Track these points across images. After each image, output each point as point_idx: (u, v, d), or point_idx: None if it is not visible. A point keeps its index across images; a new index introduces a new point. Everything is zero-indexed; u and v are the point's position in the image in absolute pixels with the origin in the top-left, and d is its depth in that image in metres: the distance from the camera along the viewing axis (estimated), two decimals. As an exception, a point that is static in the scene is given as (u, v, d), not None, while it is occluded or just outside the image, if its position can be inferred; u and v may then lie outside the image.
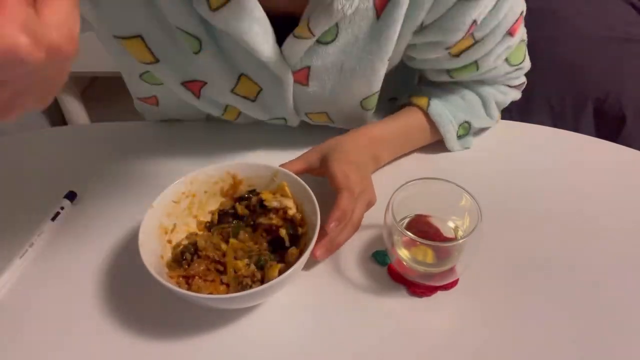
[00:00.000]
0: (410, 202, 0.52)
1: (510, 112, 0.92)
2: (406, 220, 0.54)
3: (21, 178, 0.68)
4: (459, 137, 0.67)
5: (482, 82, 0.67)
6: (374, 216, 0.57)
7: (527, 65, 0.67)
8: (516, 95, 0.70)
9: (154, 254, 0.50)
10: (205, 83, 0.62)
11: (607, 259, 0.55)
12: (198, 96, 0.63)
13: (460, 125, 0.66)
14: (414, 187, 0.51)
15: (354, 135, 0.62)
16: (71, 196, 0.63)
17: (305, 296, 0.53)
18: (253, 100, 0.63)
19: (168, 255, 0.53)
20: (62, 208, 0.62)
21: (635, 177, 0.65)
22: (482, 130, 0.71)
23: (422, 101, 0.65)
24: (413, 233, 0.47)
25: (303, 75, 0.59)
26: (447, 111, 0.65)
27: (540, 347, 0.48)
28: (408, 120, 0.66)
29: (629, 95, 0.85)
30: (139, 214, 0.51)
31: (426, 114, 0.65)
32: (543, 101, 0.90)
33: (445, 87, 0.67)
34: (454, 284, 0.53)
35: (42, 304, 0.53)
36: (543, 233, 0.58)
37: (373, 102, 0.65)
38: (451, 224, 0.54)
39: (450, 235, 0.53)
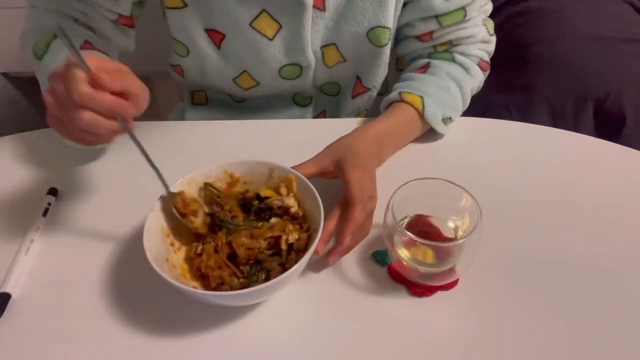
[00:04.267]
0: (410, 202, 0.52)
1: (510, 112, 0.92)
2: (406, 220, 0.54)
3: (21, 178, 0.68)
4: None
5: (463, 54, 0.71)
6: (374, 216, 0.56)
7: (494, 41, 0.73)
8: (482, 81, 0.75)
9: (160, 257, 0.50)
10: (225, 36, 0.67)
11: (607, 259, 0.55)
12: (218, 46, 0.69)
13: (443, 119, 0.70)
14: (414, 187, 0.51)
15: (362, 134, 0.63)
16: (53, 192, 0.64)
17: (305, 296, 0.53)
18: (271, 39, 0.66)
19: (172, 258, 0.53)
20: (49, 204, 0.62)
21: (635, 177, 0.65)
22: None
23: (416, 102, 0.67)
24: (413, 233, 0.46)
25: None
26: (438, 111, 0.68)
27: (540, 347, 0.48)
28: (406, 116, 0.68)
29: (629, 95, 0.85)
30: (138, 214, 0.51)
31: (419, 113, 0.67)
32: (543, 101, 0.90)
33: (431, 81, 0.69)
34: (454, 284, 0.53)
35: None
36: (543, 233, 0.58)
37: (381, 37, 0.68)
38: (451, 224, 0.54)
39: (450, 235, 0.53)
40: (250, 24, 0.65)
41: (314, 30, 0.67)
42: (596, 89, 0.86)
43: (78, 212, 0.63)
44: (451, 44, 0.71)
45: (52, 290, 0.55)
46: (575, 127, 0.88)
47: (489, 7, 0.71)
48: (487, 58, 0.74)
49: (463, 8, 0.66)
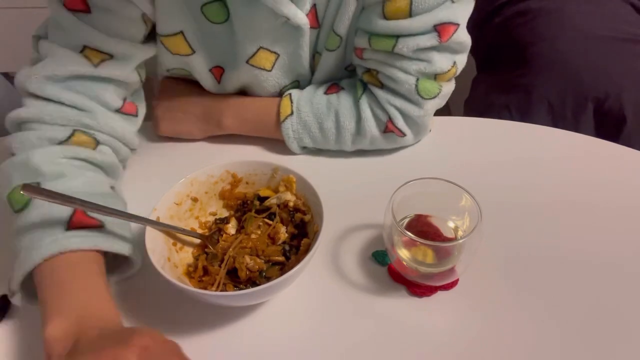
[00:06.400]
0: (410, 202, 0.52)
1: (510, 112, 0.92)
2: (406, 220, 0.54)
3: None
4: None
5: (377, 101, 0.65)
6: (374, 216, 0.57)
7: (426, 114, 0.64)
8: (376, 138, 0.67)
9: (162, 256, 0.50)
10: (224, 71, 0.67)
11: (607, 259, 0.55)
12: (219, 81, 0.69)
13: (301, 145, 0.70)
14: (414, 187, 0.51)
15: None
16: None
17: (305, 296, 0.53)
18: (269, 70, 0.66)
19: (175, 258, 0.53)
20: None
21: (636, 177, 0.65)
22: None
23: (286, 108, 0.67)
24: (413, 233, 0.47)
25: (313, 17, 0.63)
26: (294, 133, 0.68)
27: (540, 347, 0.48)
28: (272, 109, 0.68)
29: (629, 95, 0.85)
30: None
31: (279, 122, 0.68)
32: (543, 101, 0.90)
33: (317, 107, 0.67)
34: (454, 284, 0.53)
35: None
36: (543, 233, 0.58)
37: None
38: (451, 224, 0.54)
39: (450, 235, 0.53)
40: (247, 62, 0.64)
41: (314, 46, 0.67)
42: (596, 89, 0.86)
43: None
44: (377, 79, 0.64)
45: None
46: (575, 127, 0.88)
47: (434, 66, 0.61)
48: (400, 123, 0.64)
49: (396, 37, 0.59)
